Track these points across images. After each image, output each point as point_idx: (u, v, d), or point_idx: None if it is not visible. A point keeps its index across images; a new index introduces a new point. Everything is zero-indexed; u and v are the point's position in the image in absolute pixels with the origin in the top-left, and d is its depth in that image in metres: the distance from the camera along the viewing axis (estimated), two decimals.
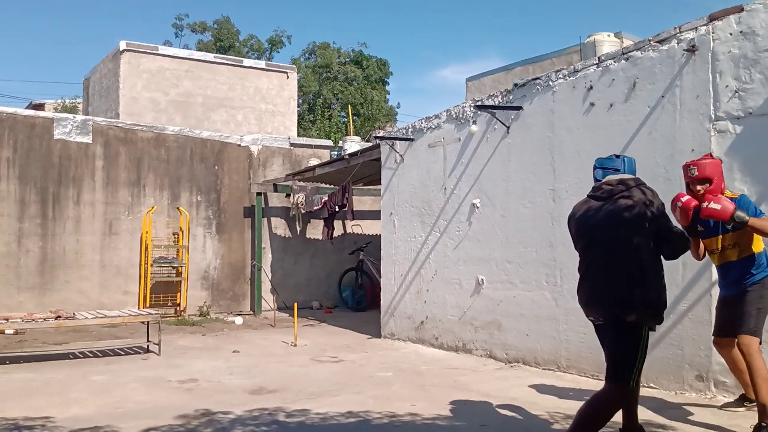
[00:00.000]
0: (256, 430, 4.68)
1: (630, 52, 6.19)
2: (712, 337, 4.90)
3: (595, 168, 4.18)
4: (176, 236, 11.47)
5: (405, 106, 56.80)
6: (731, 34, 5.45)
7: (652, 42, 5.99)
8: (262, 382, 6.27)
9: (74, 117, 11.21)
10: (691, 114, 5.67)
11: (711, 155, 4.81)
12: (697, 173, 4.46)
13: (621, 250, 3.75)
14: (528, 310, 7.10)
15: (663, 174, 5.83)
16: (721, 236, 4.56)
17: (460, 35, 59.38)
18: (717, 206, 4.27)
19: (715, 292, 5.15)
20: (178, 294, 11.31)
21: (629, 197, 3.84)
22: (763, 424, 4.17)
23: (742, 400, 4.97)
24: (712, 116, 5.53)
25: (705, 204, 4.32)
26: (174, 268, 11.32)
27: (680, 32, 5.79)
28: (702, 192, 4.42)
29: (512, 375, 6.68)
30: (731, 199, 4.43)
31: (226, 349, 8.25)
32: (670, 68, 5.83)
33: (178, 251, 11.34)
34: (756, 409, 4.46)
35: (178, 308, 11.24)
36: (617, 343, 3.74)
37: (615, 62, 6.30)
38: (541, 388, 5.95)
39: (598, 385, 6.01)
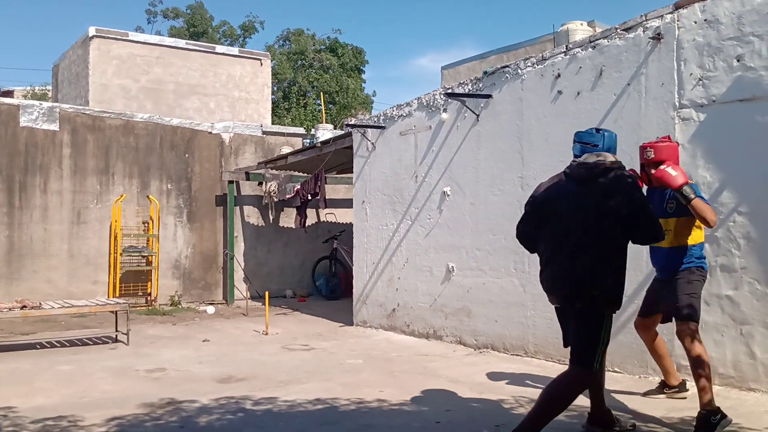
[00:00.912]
0: (221, 419, 4.66)
1: (597, 40, 6.24)
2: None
3: (574, 142, 4.06)
4: (146, 225, 11.34)
5: (382, 94, 56.68)
6: (696, 23, 5.51)
7: (618, 30, 6.04)
8: (231, 371, 6.25)
9: (40, 104, 10.99)
10: (656, 102, 5.74)
11: (669, 138, 4.75)
12: (653, 155, 4.38)
13: (590, 237, 3.69)
14: (497, 296, 7.16)
15: (628, 162, 5.81)
16: (662, 220, 4.34)
17: (437, 24, 59.36)
18: (672, 172, 4.22)
19: None
20: (149, 283, 11.20)
21: (606, 184, 3.74)
22: (706, 411, 4.11)
23: (662, 387, 5.05)
24: (677, 104, 5.60)
25: (663, 166, 4.25)
26: (144, 257, 11.20)
27: (646, 20, 5.85)
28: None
29: (481, 361, 6.74)
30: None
31: (196, 338, 8.21)
32: (636, 56, 5.88)
33: (148, 240, 11.21)
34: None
35: (148, 298, 11.13)
36: (580, 328, 3.75)
37: (582, 50, 6.35)
38: (508, 373, 6.02)
39: (564, 369, 6.14)
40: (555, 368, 6.18)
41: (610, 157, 3.86)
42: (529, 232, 4.11)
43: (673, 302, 4.43)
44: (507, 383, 5.65)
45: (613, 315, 3.83)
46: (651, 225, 3.76)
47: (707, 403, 4.16)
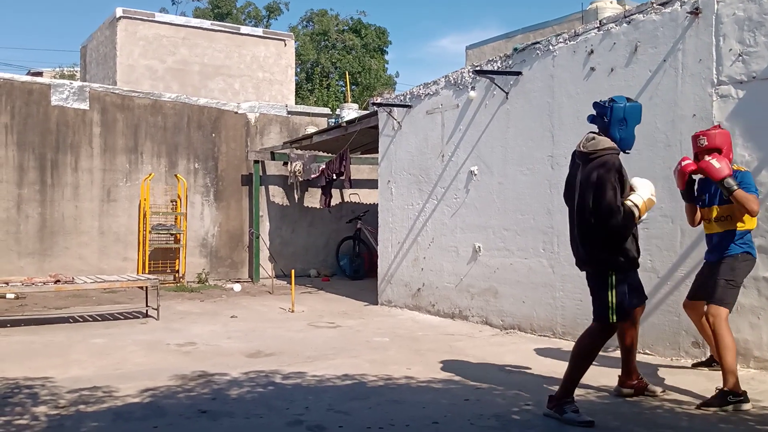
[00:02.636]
0: (252, 391, 4.71)
1: (632, 15, 6.10)
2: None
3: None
4: (174, 204, 11.45)
5: (404, 75, 56.15)
6: None
7: (654, 5, 5.89)
8: (260, 346, 6.31)
9: (71, 83, 11.11)
10: (693, 78, 5.60)
11: (719, 126, 4.80)
12: (706, 143, 4.46)
13: (583, 213, 4.08)
14: (524, 277, 7.11)
15: (663, 140, 5.78)
16: (717, 207, 4.57)
17: (460, 4, 58.63)
18: (716, 164, 4.28)
19: None
20: (177, 261, 11.33)
21: (591, 167, 4.05)
22: (725, 389, 4.22)
23: (711, 361, 5.13)
24: (715, 80, 5.46)
25: (708, 157, 4.34)
26: (172, 235, 11.32)
27: None
28: None
29: (508, 341, 6.72)
30: (736, 171, 4.44)
31: (224, 315, 8.30)
32: (673, 31, 5.74)
33: (176, 218, 11.33)
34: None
35: (176, 275, 11.27)
36: (592, 289, 4.21)
37: (616, 26, 6.21)
38: (537, 354, 6.00)
39: None
40: None
41: (602, 144, 4.09)
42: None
43: (711, 285, 4.48)
44: (535, 363, 5.62)
45: (633, 284, 4.18)
46: (606, 214, 3.95)
47: (732, 386, 4.23)
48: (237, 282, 11.40)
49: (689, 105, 5.59)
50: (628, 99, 4.28)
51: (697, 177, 4.66)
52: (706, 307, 4.51)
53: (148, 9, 15.71)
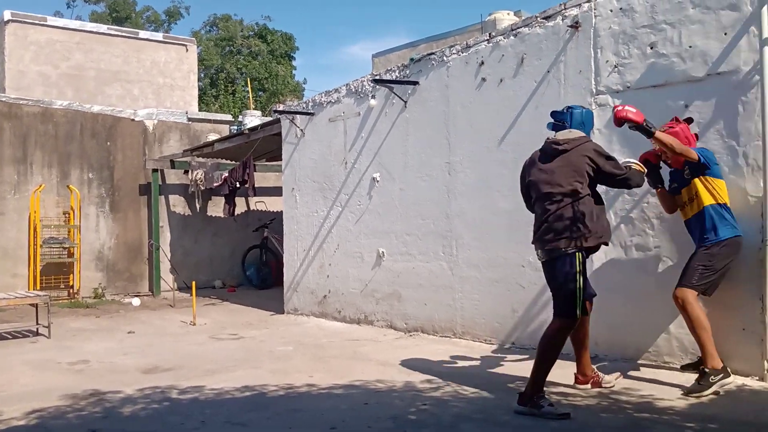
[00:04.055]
0: (146, 408, 4.57)
1: (518, 28, 6.40)
2: None
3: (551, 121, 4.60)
4: (67, 216, 10.90)
5: (314, 82, 55.91)
6: (611, 11, 5.72)
7: (538, 18, 6.21)
8: (157, 362, 6.12)
9: None
10: (574, 88, 5.94)
11: (678, 119, 4.95)
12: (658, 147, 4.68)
13: (553, 200, 4.32)
14: (426, 280, 7.28)
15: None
16: (684, 189, 4.73)
17: (369, 12, 59.23)
18: (632, 109, 4.44)
19: None
20: (71, 276, 10.78)
21: (570, 154, 4.32)
22: (706, 369, 4.39)
23: (700, 362, 4.89)
24: (593, 90, 5.82)
25: (621, 107, 4.52)
26: (65, 248, 10.77)
27: (565, 9, 6.03)
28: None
29: (411, 343, 6.85)
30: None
31: (121, 330, 7.98)
32: (555, 44, 6.07)
33: (69, 231, 10.78)
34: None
35: (71, 290, 10.72)
36: (555, 282, 4.39)
37: (505, 38, 6.49)
38: (437, 354, 6.14)
39: (491, 349, 6.34)
40: (482, 348, 6.38)
41: (578, 133, 4.42)
42: (527, 203, 4.77)
43: (685, 269, 4.62)
44: (435, 363, 5.76)
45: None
46: (622, 182, 4.40)
47: (713, 365, 4.42)
48: (136, 296, 10.97)
49: None
50: (581, 107, 4.68)
51: (665, 167, 4.87)
52: (674, 290, 4.59)
53: (41, 12, 14.92)
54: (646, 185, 4.96)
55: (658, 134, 4.51)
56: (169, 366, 5.93)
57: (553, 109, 4.75)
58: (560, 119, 4.53)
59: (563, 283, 4.31)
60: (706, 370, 4.46)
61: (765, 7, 4.77)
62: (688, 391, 4.45)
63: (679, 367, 5.12)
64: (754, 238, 4.72)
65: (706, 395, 4.38)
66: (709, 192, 4.65)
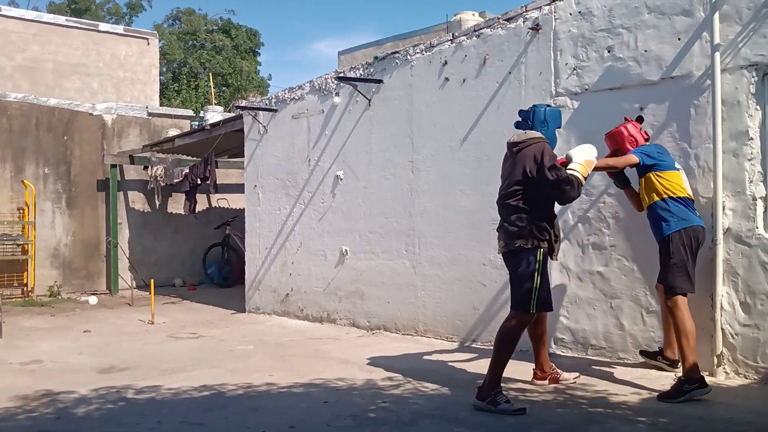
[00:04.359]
0: (101, 408, 4.48)
1: (481, 29, 6.45)
2: None
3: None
4: (21, 212, 10.60)
5: (279, 78, 55.51)
6: (571, 14, 5.81)
7: (500, 20, 6.28)
8: (113, 361, 5.99)
9: None
10: (534, 90, 6.02)
11: (628, 118, 5.07)
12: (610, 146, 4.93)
13: (509, 194, 4.43)
14: (389, 278, 7.29)
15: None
16: (640, 188, 4.82)
17: (335, 9, 58.98)
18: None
19: None
20: (25, 273, 10.49)
21: (522, 154, 4.42)
22: (682, 378, 4.32)
23: (658, 353, 5.06)
24: (553, 92, 5.91)
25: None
26: (19, 245, 10.47)
27: (526, 11, 6.11)
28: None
29: (373, 341, 6.86)
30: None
31: (76, 329, 7.80)
32: (517, 46, 6.14)
33: (23, 228, 10.49)
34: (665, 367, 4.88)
35: (25, 288, 10.44)
36: (514, 277, 4.46)
37: (468, 39, 6.54)
38: (399, 352, 6.17)
39: (452, 346, 6.39)
40: (443, 345, 6.42)
41: (530, 135, 4.51)
42: None
43: (661, 269, 4.64)
44: (396, 361, 5.77)
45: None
46: (552, 186, 4.30)
47: (689, 373, 4.33)
48: (93, 294, 10.73)
49: None
50: (548, 105, 4.82)
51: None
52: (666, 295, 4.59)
53: None
54: (606, 184, 5.06)
55: (597, 165, 4.57)
56: (125, 365, 5.82)
57: (515, 109, 4.83)
58: (524, 117, 4.65)
59: (520, 281, 4.38)
60: (682, 378, 4.38)
61: (717, 14, 4.91)
62: (661, 395, 4.39)
63: (632, 363, 5.26)
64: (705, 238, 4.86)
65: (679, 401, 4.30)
66: (655, 188, 4.67)
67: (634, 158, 4.74)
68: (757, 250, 4.79)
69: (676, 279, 4.52)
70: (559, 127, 4.75)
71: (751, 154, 4.85)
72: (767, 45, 4.77)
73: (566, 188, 4.25)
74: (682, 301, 4.49)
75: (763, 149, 4.84)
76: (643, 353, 5.18)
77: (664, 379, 4.74)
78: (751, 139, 4.85)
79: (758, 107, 4.84)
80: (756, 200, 4.84)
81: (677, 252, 4.53)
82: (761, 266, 4.77)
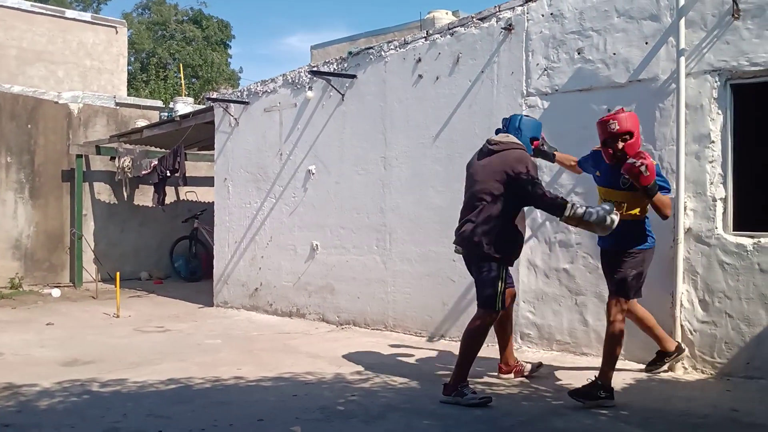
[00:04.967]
0: (65, 401, 4.41)
1: (455, 27, 6.51)
2: None
3: None
4: None
5: (250, 71, 54.84)
6: (543, 16, 5.90)
7: (474, 19, 6.34)
8: (77, 354, 5.91)
9: None
10: (506, 89, 6.10)
11: (623, 109, 4.60)
12: (617, 127, 4.34)
13: (484, 200, 4.42)
14: (359, 273, 7.31)
15: (481, 145, 6.21)
16: (620, 192, 4.46)
17: (309, 3, 58.63)
18: (645, 172, 4.19)
19: None
20: None
21: (499, 159, 4.44)
22: (599, 383, 4.27)
23: (661, 357, 4.94)
24: (524, 92, 5.99)
25: (633, 160, 4.23)
26: None
27: (499, 11, 6.18)
28: (622, 147, 4.36)
29: (342, 336, 6.88)
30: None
31: (39, 322, 7.65)
32: (490, 45, 6.21)
33: None
34: (674, 361, 4.87)
35: None
36: (479, 277, 4.53)
37: (441, 37, 6.59)
38: (367, 347, 6.20)
39: (421, 341, 6.45)
40: (412, 340, 6.47)
41: (512, 139, 4.57)
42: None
43: (618, 277, 4.47)
44: (365, 356, 5.81)
45: None
46: (535, 197, 4.38)
47: (607, 377, 4.31)
48: (56, 287, 10.51)
49: (503, 113, 5.97)
50: (526, 115, 5.01)
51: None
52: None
53: None
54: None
55: (657, 198, 4.36)
56: (90, 359, 5.74)
57: (487, 108, 4.90)
58: (503, 123, 4.78)
59: (483, 285, 4.48)
60: (599, 382, 4.29)
61: (683, 20, 5.04)
62: (573, 392, 4.33)
63: (595, 357, 5.36)
64: (666, 237, 5.00)
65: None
66: (641, 205, 4.51)
67: (669, 209, 4.52)
68: (716, 249, 4.95)
69: (631, 288, 4.47)
70: (537, 139, 4.75)
71: (713, 156, 5.01)
72: (730, 51, 4.92)
73: (557, 212, 4.35)
74: (624, 306, 4.45)
75: (724, 152, 5.00)
76: (647, 368, 5.03)
77: (626, 373, 4.87)
78: (713, 142, 5.00)
79: (720, 111, 5.00)
80: (716, 201, 4.99)
81: (645, 265, 4.53)
82: (719, 265, 4.93)
